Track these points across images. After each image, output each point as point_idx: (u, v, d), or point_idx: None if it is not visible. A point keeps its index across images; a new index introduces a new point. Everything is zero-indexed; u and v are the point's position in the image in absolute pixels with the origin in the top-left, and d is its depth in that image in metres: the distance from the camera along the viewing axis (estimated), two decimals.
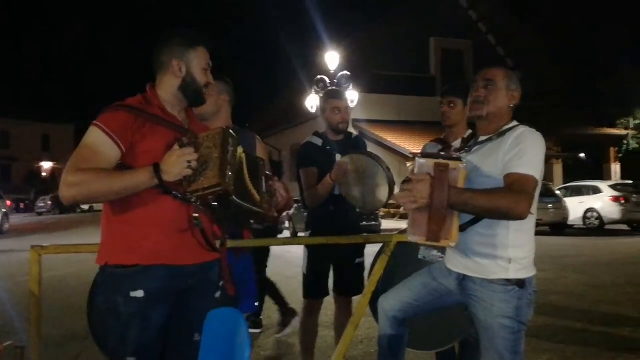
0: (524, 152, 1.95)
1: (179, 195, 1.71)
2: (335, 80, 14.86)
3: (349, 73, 14.78)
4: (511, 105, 2.12)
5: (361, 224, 3.36)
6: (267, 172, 1.89)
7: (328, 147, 3.16)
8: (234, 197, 1.64)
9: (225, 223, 1.91)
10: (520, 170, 1.92)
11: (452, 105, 2.88)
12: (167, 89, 1.85)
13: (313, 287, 3.19)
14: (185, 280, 1.82)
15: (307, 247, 3.21)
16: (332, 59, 15.54)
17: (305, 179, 3.13)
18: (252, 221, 1.92)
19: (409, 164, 2.57)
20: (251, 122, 31.57)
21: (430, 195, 1.83)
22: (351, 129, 3.42)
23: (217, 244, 1.89)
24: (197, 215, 1.73)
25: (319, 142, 3.20)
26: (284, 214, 15.77)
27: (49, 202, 34.05)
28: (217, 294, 1.95)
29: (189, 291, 1.83)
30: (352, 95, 17.61)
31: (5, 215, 17.17)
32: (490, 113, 2.12)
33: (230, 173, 1.64)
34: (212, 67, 1.92)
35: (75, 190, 1.64)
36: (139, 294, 1.71)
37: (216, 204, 1.66)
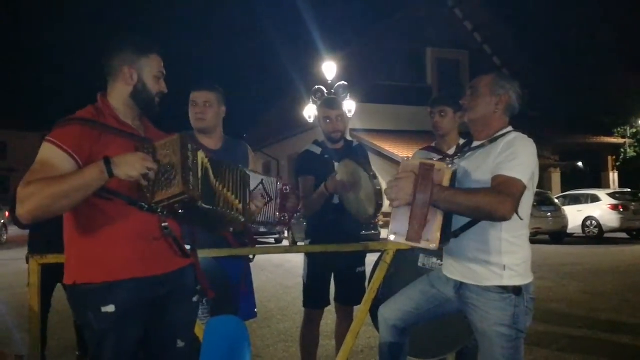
0: (514, 155, 1.95)
1: (145, 207, 1.66)
2: (333, 90, 14.89)
3: (346, 83, 14.83)
4: (497, 111, 2.10)
5: (361, 232, 3.34)
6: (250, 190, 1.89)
7: (327, 156, 3.15)
8: (201, 203, 1.62)
9: (197, 228, 1.89)
10: (508, 172, 1.92)
11: (442, 114, 2.90)
12: (119, 96, 1.81)
13: (313, 296, 3.18)
14: (156, 290, 1.78)
15: (307, 255, 3.20)
16: (329, 69, 15.60)
17: (302, 187, 3.11)
18: (231, 228, 1.89)
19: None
20: (249, 132, 31.61)
21: (413, 193, 1.84)
22: (349, 139, 3.40)
23: (188, 248, 1.87)
24: (166, 224, 1.69)
25: (317, 150, 3.20)
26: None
27: None
28: (195, 298, 1.92)
29: (164, 299, 1.81)
30: (350, 105, 17.65)
31: (4, 226, 17.09)
32: (473, 119, 2.14)
33: (192, 179, 1.61)
34: (165, 75, 1.88)
35: (28, 205, 1.55)
36: (110, 308, 1.68)
37: (183, 211, 1.62)
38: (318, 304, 3.19)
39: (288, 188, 2.47)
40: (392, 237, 1.92)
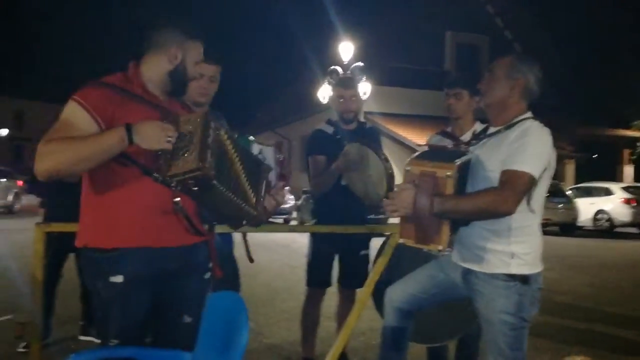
0: (524, 147, 1.91)
1: (159, 178, 1.67)
2: (349, 72, 14.77)
3: (362, 64, 14.68)
4: (512, 96, 2.04)
5: (369, 216, 3.32)
6: (269, 180, 1.88)
7: (338, 136, 3.12)
8: (215, 182, 1.61)
9: (212, 212, 1.87)
10: (515, 166, 1.89)
11: (458, 96, 2.81)
12: (156, 69, 1.82)
13: (316, 275, 3.19)
14: (167, 264, 1.78)
15: (312, 235, 3.20)
16: (346, 49, 15.44)
17: (312, 167, 3.11)
18: (244, 222, 1.88)
19: (407, 162, 2.56)
20: (262, 112, 31.55)
21: (413, 204, 1.83)
22: (363, 120, 3.36)
23: (205, 227, 1.88)
24: (178, 199, 1.69)
25: (329, 130, 3.17)
26: (288, 204, 15.79)
27: None
28: (207, 275, 1.93)
29: (175, 273, 1.81)
30: (365, 87, 17.49)
31: (17, 195, 17.34)
32: (488, 103, 2.10)
33: (209, 157, 1.60)
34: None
35: (47, 162, 1.57)
36: (118, 278, 1.69)
37: (197, 188, 1.62)
38: (320, 283, 3.20)
39: (281, 156, 2.48)
40: (401, 241, 1.97)
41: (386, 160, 2.83)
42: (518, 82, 2.04)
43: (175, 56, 1.81)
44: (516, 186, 1.86)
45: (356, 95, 3.14)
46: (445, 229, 1.89)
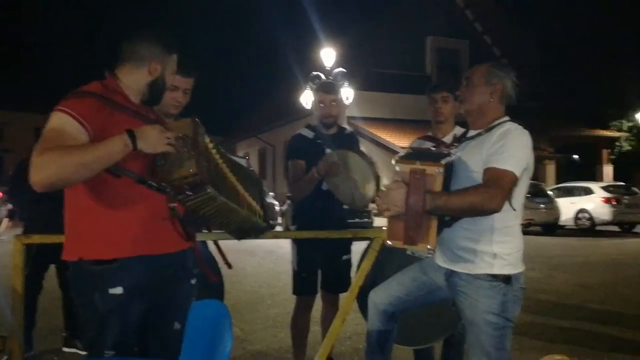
0: (505, 147, 1.95)
1: (154, 185, 1.68)
2: (331, 77, 14.82)
3: (344, 70, 14.74)
4: (492, 100, 2.10)
5: (353, 220, 3.32)
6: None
7: (319, 141, 3.11)
8: (210, 188, 1.62)
9: (200, 217, 1.85)
10: (498, 165, 1.93)
11: (445, 99, 2.84)
12: (135, 80, 1.84)
13: (305, 283, 3.15)
14: (165, 271, 1.80)
15: (296, 242, 3.17)
16: (328, 55, 15.53)
17: (292, 171, 3.08)
18: (250, 233, 1.94)
19: (393, 161, 2.56)
20: (245, 118, 31.47)
21: (406, 202, 1.84)
22: (345, 126, 3.37)
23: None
24: (174, 205, 1.70)
25: (309, 134, 3.16)
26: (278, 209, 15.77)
27: None
28: (193, 281, 1.94)
29: (168, 281, 1.83)
30: (348, 93, 17.54)
31: None
32: (468, 110, 2.16)
33: (205, 162, 1.63)
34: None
35: (46, 171, 1.50)
36: (118, 290, 1.69)
37: (191, 193, 1.62)
38: (310, 290, 3.17)
39: (251, 167, 2.52)
40: (389, 243, 1.96)
41: (372, 164, 2.85)
42: (496, 88, 2.10)
43: (155, 69, 1.84)
44: (502, 184, 1.90)
45: (337, 99, 3.13)
46: (434, 228, 1.90)
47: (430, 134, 2.98)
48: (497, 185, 1.89)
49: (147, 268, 1.74)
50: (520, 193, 2.02)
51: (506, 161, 1.93)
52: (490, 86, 2.10)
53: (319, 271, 3.17)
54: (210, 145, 1.77)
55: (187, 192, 1.63)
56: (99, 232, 1.71)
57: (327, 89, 3.15)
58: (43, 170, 1.50)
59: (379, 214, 1.98)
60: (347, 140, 3.19)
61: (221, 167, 1.82)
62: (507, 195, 1.92)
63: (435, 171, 1.89)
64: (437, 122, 2.91)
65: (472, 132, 2.17)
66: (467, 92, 2.14)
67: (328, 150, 3.04)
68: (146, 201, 1.72)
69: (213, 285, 2.43)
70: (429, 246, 1.90)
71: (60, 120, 1.61)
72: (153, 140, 1.62)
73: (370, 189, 2.89)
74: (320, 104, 3.10)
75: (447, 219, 2.03)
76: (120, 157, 1.61)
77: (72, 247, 1.74)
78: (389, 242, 1.97)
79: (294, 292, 3.22)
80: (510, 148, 1.95)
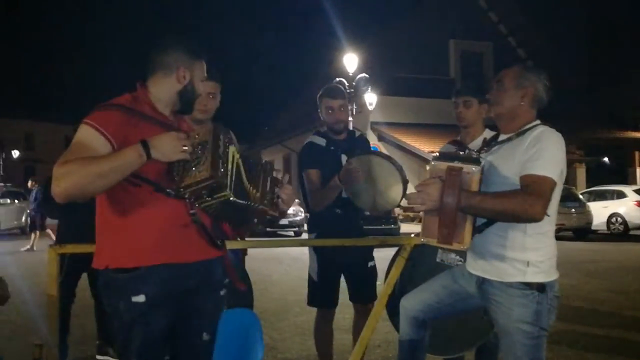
0: (541, 152, 1.92)
1: (172, 192, 1.69)
2: (354, 83, 14.82)
3: (367, 75, 14.72)
4: (523, 104, 2.07)
5: (378, 227, 3.28)
6: (275, 176, 1.87)
7: (332, 148, 3.05)
8: (229, 192, 1.63)
9: (223, 221, 1.88)
10: (536, 171, 1.89)
11: (467, 104, 2.81)
12: (165, 89, 1.86)
13: (326, 296, 3.08)
14: (188, 280, 1.80)
15: (316, 251, 3.08)
16: (350, 61, 15.52)
17: (309, 181, 3.01)
18: (255, 220, 1.88)
19: (428, 167, 2.55)
20: (269, 126, 31.64)
21: (440, 198, 1.82)
22: (369, 132, 3.35)
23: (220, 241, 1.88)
24: (194, 211, 1.71)
25: (322, 142, 3.08)
26: (299, 216, 15.73)
27: None
28: (223, 292, 1.93)
29: (193, 291, 1.82)
30: (371, 98, 17.49)
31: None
32: (499, 114, 2.12)
33: (222, 166, 1.63)
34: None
35: (65, 182, 1.56)
36: (141, 298, 1.70)
37: (209, 198, 1.64)
38: (331, 303, 3.11)
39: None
40: (423, 240, 1.96)
41: (400, 167, 2.81)
42: (527, 91, 2.06)
43: (183, 76, 1.85)
44: (542, 191, 1.85)
45: (345, 104, 3.07)
46: (469, 227, 1.89)
47: (458, 138, 2.95)
48: (538, 192, 1.84)
49: (170, 276, 1.74)
50: (554, 198, 1.96)
51: (544, 167, 1.89)
52: (521, 89, 2.06)
53: (341, 281, 3.10)
54: (235, 153, 1.75)
55: (205, 198, 1.64)
56: (121, 241, 1.74)
57: (333, 94, 3.06)
58: (62, 181, 1.56)
59: (410, 210, 1.97)
60: (359, 144, 3.13)
61: (241, 172, 1.78)
62: (547, 203, 1.87)
63: (472, 170, 1.88)
64: (461, 127, 2.88)
65: (502, 137, 2.14)
66: (498, 95, 2.10)
67: (344, 157, 2.99)
68: (167, 209, 1.73)
69: (242, 293, 2.44)
70: (463, 246, 1.89)
71: (85, 133, 1.67)
72: (167, 148, 1.64)
73: (395, 193, 2.84)
74: (329, 110, 3.03)
75: (478, 225, 2.00)
76: (136, 167, 1.64)
77: (99, 256, 1.78)
78: (423, 239, 1.96)
79: (309, 303, 3.15)
80: (546, 153, 1.91)
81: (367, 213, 3.09)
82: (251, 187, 1.76)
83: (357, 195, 2.91)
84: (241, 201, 1.70)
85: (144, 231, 1.73)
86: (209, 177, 1.59)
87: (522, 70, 2.10)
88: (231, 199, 1.65)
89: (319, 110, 3.12)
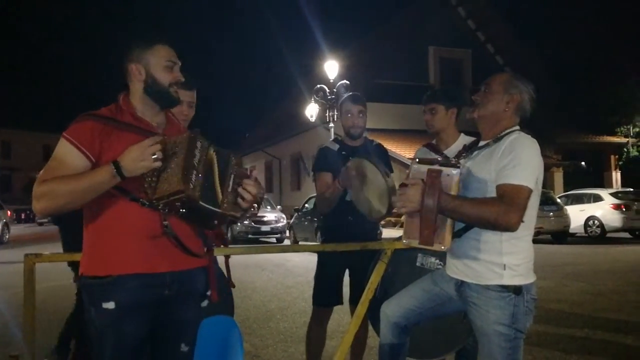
0: (517, 160, 1.94)
1: (146, 203, 1.68)
2: (335, 89, 14.90)
3: (348, 82, 14.80)
4: (507, 110, 2.10)
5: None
6: (241, 170, 1.80)
7: (344, 152, 3.13)
8: (200, 203, 1.61)
9: (188, 224, 1.84)
10: (511, 180, 1.91)
11: (433, 111, 2.88)
12: (135, 94, 1.84)
13: (322, 294, 3.15)
14: (161, 291, 1.77)
15: (318, 254, 3.20)
16: (331, 68, 15.60)
17: (318, 184, 3.12)
18: (215, 222, 1.83)
19: (408, 171, 2.58)
20: (251, 132, 31.56)
21: (421, 200, 1.84)
22: (370, 139, 3.37)
23: (204, 250, 1.87)
24: (167, 223, 1.68)
25: (335, 147, 3.19)
26: (281, 223, 15.65)
27: None
28: (204, 303, 1.90)
29: (170, 301, 1.80)
30: None
31: (6, 225, 17.14)
32: (482, 116, 2.14)
33: (194, 178, 1.61)
34: (179, 64, 1.85)
35: (44, 201, 1.65)
36: (110, 305, 1.70)
37: (184, 210, 1.63)
38: (327, 302, 3.16)
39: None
40: (405, 242, 1.99)
41: (387, 174, 2.80)
42: (513, 98, 2.10)
43: (139, 73, 1.81)
44: (518, 201, 1.88)
45: (363, 110, 3.16)
46: (449, 229, 1.92)
47: (433, 141, 2.99)
48: (513, 202, 1.86)
49: (140, 285, 1.72)
50: (532, 204, 1.99)
51: (518, 176, 1.91)
52: (507, 95, 2.09)
53: (342, 283, 3.15)
54: (212, 153, 1.71)
55: (180, 210, 1.62)
56: (96, 250, 1.75)
57: (354, 99, 3.20)
58: (40, 201, 1.66)
59: (391, 214, 1.98)
60: (375, 152, 3.18)
61: (215, 177, 1.73)
62: (523, 213, 1.89)
63: (452, 172, 1.91)
64: (432, 133, 2.94)
65: (482, 142, 2.17)
66: (484, 97, 2.13)
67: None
68: (141, 219, 1.72)
69: (222, 301, 2.42)
70: (443, 247, 1.91)
71: (63, 150, 1.71)
72: (137, 161, 1.61)
73: (383, 201, 2.84)
74: (348, 114, 3.13)
75: (457, 230, 2.02)
76: (110, 185, 1.66)
77: (81, 262, 1.80)
78: (404, 241, 1.99)
79: (314, 302, 3.20)
80: (522, 160, 1.93)
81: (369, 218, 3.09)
82: (221, 192, 1.72)
83: (357, 201, 2.92)
84: (210, 207, 1.67)
85: (117, 240, 1.73)
86: (179, 190, 1.57)
87: (512, 78, 2.14)
88: (205, 206, 1.64)
89: (338, 115, 3.19)
